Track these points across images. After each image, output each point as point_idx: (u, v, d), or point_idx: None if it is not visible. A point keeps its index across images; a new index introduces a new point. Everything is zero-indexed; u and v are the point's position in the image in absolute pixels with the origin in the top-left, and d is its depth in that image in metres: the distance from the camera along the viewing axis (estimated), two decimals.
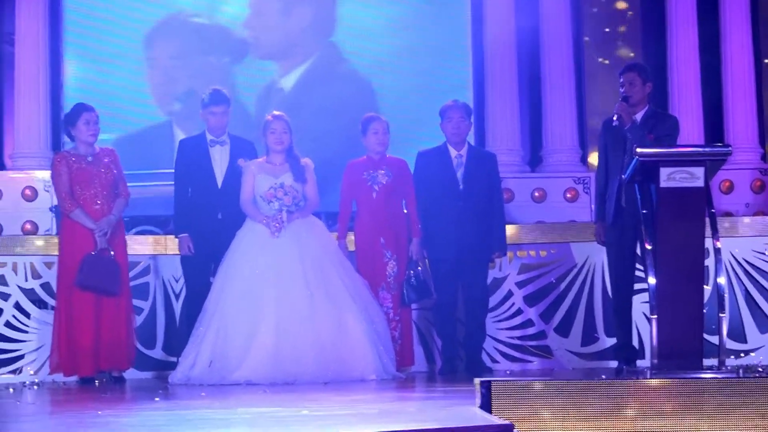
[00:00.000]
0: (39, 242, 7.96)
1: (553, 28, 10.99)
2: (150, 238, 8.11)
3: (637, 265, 7.32)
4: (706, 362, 6.39)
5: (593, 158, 10.33)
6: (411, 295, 7.48)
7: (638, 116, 7.11)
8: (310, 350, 6.74)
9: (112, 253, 7.19)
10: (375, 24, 10.70)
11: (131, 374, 7.47)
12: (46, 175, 9.96)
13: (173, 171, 7.77)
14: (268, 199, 7.14)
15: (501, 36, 10.80)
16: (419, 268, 7.54)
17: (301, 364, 6.69)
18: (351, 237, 7.62)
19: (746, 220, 8.31)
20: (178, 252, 7.58)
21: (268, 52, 10.68)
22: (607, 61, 11.25)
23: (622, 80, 7.24)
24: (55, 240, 7.83)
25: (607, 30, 11.36)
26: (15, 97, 10.42)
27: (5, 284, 7.77)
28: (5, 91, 10.67)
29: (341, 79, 10.68)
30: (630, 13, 11.41)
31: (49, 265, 7.80)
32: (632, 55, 11.32)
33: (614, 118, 7.02)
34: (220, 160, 7.52)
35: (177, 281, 7.87)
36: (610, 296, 7.63)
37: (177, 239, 7.50)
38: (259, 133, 7.42)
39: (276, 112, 7.41)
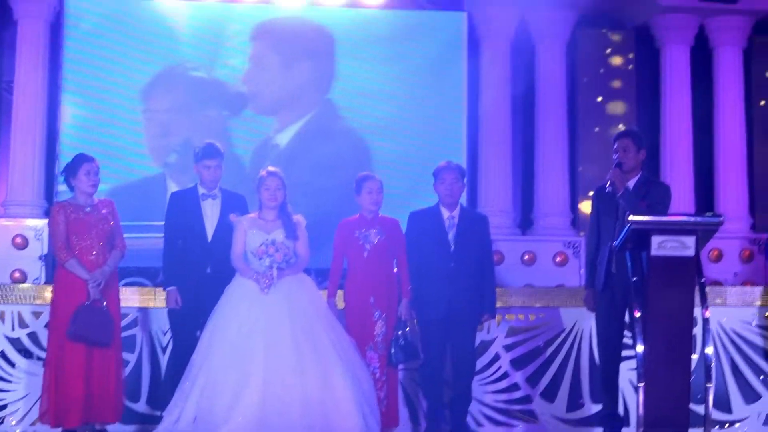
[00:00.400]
0: (28, 291, 7.92)
1: (548, 95, 11.13)
2: (138, 290, 8.09)
3: (625, 332, 7.31)
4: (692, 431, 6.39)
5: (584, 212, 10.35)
6: (399, 356, 7.45)
7: (631, 183, 7.14)
8: (296, 407, 6.69)
9: (105, 304, 7.17)
10: (372, 83, 10.82)
11: (115, 428, 7.41)
12: (38, 223, 10.00)
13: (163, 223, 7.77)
14: (259, 256, 7.13)
15: (496, 100, 10.94)
16: (407, 329, 7.52)
17: (286, 422, 6.64)
18: (341, 294, 7.61)
19: (734, 289, 8.31)
20: (165, 305, 7.55)
21: (265, 106, 10.77)
22: (597, 129, 11.33)
23: (616, 146, 7.27)
24: (45, 289, 7.82)
25: (600, 99, 11.46)
26: (11, 144, 10.50)
27: None
28: (1, 138, 10.72)
29: (337, 136, 10.77)
30: (620, 83, 11.50)
31: (37, 314, 7.78)
32: (623, 120, 11.39)
33: (607, 185, 7.05)
34: (211, 214, 7.50)
35: (164, 334, 7.85)
36: (597, 362, 7.61)
37: (165, 292, 7.48)
38: (254, 188, 7.42)
39: (271, 168, 7.41)
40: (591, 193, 7.59)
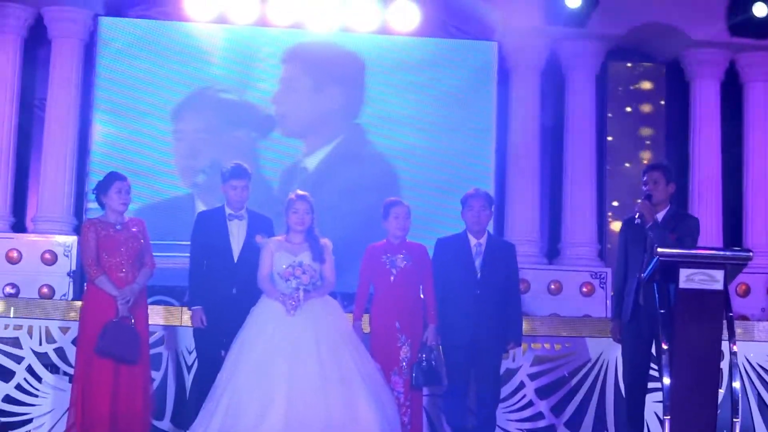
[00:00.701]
0: (56, 306, 7.96)
1: (577, 126, 11.15)
2: (165, 309, 8.12)
3: (651, 364, 7.28)
4: None
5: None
6: (419, 379, 7.44)
7: (660, 215, 7.13)
8: (319, 429, 6.70)
9: (133, 321, 7.21)
10: (402, 109, 10.86)
11: None
12: (67, 239, 10.07)
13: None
14: (285, 278, 7.15)
15: (525, 129, 10.96)
16: (432, 353, 7.52)
17: None
18: (366, 319, 7.62)
19: (762, 324, 8.27)
20: (191, 324, 7.58)
21: (294, 129, 10.82)
22: (628, 164, 11.32)
23: (645, 179, 7.28)
24: (73, 305, 7.87)
25: (629, 131, 11.45)
26: (42, 161, 10.58)
27: (19, 347, 7.79)
28: (32, 154, 10.82)
29: (365, 161, 10.81)
30: (649, 116, 11.49)
31: (64, 330, 7.82)
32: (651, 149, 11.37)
33: (636, 216, 7.05)
34: (237, 234, 7.53)
35: (190, 353, 7.87)
36: (623, 393, 7.59)
37: (190, 311, 7.50)
38: (281, 210, 7.44)
39: (300, 192, 7.44)
40: (619, 225, 7.58)
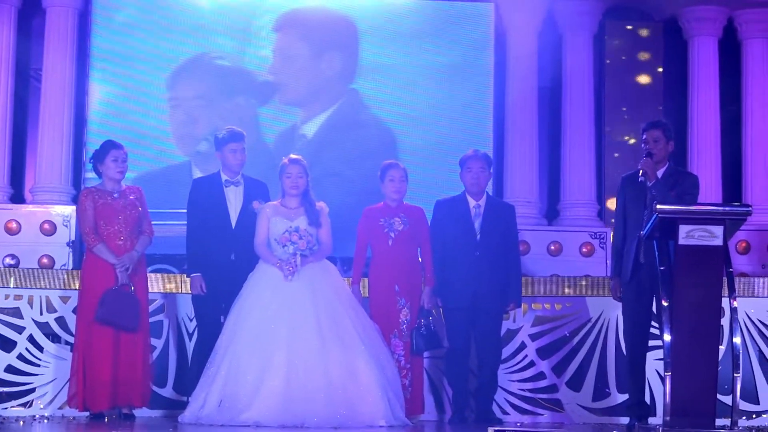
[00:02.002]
0: (56, 276, 7.97)
1: (575, 86, 11.12)
2: (164, 276, 8.12)
3: (652, 322, 7.28)
4: (719, 422, 6.36)
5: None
6: (420, 345, 7.45)
7: (659, 173, 7.11)
8: (319, 394, 6.71)
9: (133, 289, 7.21)
10: (398, 72, 10.82)
11: (141, 412, 7.45)
12: (65, 210, 10.07)
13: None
14: (282, 243, 7.14)
15: (523, 90, 10.93)
16: (431, 317, 7.52)
17: (310, 407, 6.66)
18: (365, 283, 7.62)
19: (762, 280, 8.26)
20: (190, 291, 7.58)
21: (291, 97, 10.78)
22: (624, 120, 11.28)
23: (645, 137, 7.24)
24: (72, 275, 7.86)
25: (626, 90, 11.41)
26: (39, 132, 10.57)
27: (20, 317, 7.79)
28: (29, 125, 10.81)
29: (363, 126, 10.78)
30: (647, 75, 11.44)
31: (64, 299, 7.82)
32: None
33: (639, 174, 7.01)
34: (234, 200, 7.51)
35: (191, 320, 7.87)
36: (624, 352, 7.59)
37: (189, 278, 7.50)
38: (276, 176, 7.43)
39: (293, 156, 7.42)
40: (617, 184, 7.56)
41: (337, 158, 10.65)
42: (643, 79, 11.46)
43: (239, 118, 10.28)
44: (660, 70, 11.46)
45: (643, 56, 11.51)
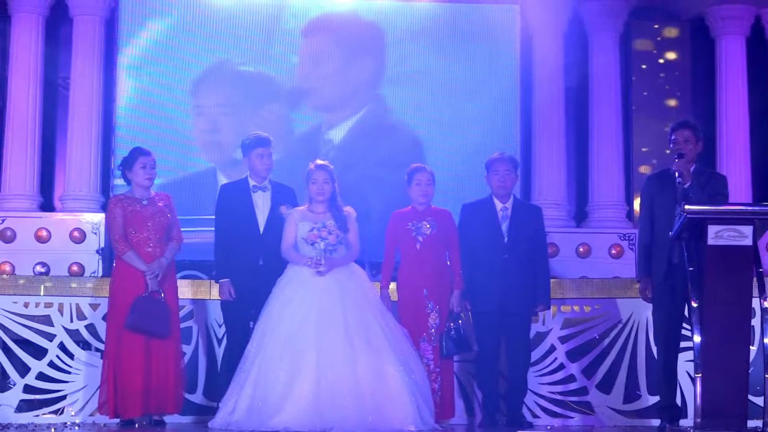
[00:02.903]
0: (86, 284, 8.01)
1: (602, 88, 11.08)
2: (193, 283, 8.15)
3: (684, 324, 7.24)
4: (751, 423, 6.33)
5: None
6: (450, 348, 7.45)
7: None
8: (349, 398, 6.71)
9: (163, 295, 7.24)
10: (425, 76, 10.81)
11: (171, 418, 7.48)
12: (94, 217, 10.12)
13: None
14: (311, 241, 7.15)
15: (550, 92, 10.90)
16: (460, 321, 7.52)
17: (339, 412, 6.66)
18: (394, 287, 7.62)
19: None
20: (219, 297, 7.59)
21: (317, 103, 10.78)
22: (652, 121, 11.22)
23: (674, 137, 7.20)
24: (102, 282, 7.90)
25: (654, 90, 11.35)
26: (67, 139, 10.64)
27: (50, 325, 7.83)
28: (58, 133, 10.87)
29: (391, 131, 10.78)
30: (675, 75, 11.39)
31: (94, 306, 7.86)
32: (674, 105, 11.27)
33: (676, 175, 6.96)
34: (262, 205, 7.53)
35: (220, 326, 7.89)
36: (654, 354, 7.55)
37: (218, 284, 7.52)
38: (303, 182, 7.44)
39: (319, 162, 7.42)
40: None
41: (363, 163, 10.65)
42: (670, 78, 11.40)
43: (263, 124, 10.29)
44: (688, 69, 11.40)
45: (670, 56, 11.45)
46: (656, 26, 11.47)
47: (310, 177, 7.32)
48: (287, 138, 10.51)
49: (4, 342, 7.83)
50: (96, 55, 10.69)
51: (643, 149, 11.16)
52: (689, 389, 7.57)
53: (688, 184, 6.96)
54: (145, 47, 10.58)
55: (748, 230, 6.23)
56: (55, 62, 10.92)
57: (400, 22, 10.87)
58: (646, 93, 11.33)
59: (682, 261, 6.73)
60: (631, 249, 10.39)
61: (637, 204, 10.78)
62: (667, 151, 7.36)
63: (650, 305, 7.31)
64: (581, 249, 10.53)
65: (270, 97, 10.71)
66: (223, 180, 9.91)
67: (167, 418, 7.41)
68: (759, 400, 7.13)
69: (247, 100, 10.65)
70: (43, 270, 9.94)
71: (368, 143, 10.73)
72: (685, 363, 7.52)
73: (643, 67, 11.39)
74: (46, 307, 7.86)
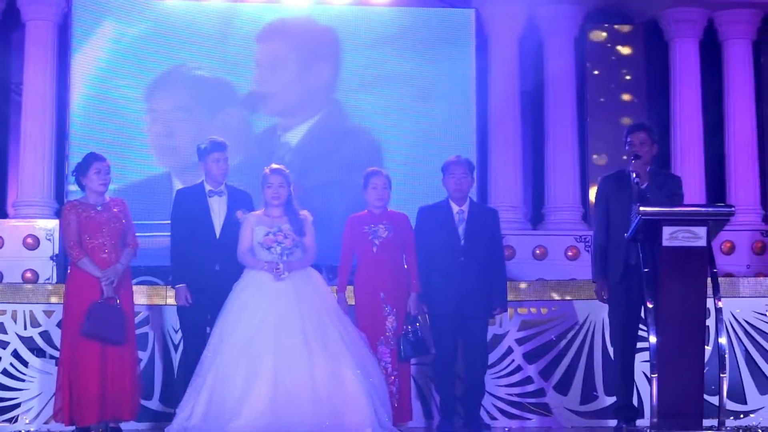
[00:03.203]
0: (39, 290, 7.93)
1: (557, 91, 11.14)
2: (149, 288, 8.09)
3: (640, 325, 7.28)
4: (706, 422, 6.36)
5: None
6: (408, 351, 7.44)
7: None
8: (306, 402, 6.68)
9: (119, 301, 7.17)
10: (380, 81, 10.82)
11: (128, 425, 7.41)
12: (48, 223, 10.03)
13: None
14: (267, 245, 7.12)
15: (505, 96, 10.94)
16: (417, 323, 7.51)
17: (297, 416, 6.63)
18: (351, 291, 7.60)
19: (747, 280, 8.28)
20: (176, 302, 7.54)
21: (273, 107, 10.77)
22: (606, 124, 11.29)
23: (630, 139, 7.25)
24: (56, 288, 7.83)
25: (609, 93, 11.43)
26: (21, 145, 10.55)
27: (4, 332, 7.76)
28: (10, 139, 10.78)
29: (346, 135, 10.78)
30: (629, 78, 11.47)
31: (49, 313, 7.79)
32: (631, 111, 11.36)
33: (634, 176, 7.00)
34: (218, 210, 7.48)
35: (176, 332, 7.84)
36: (611, 355, 7.59)
37: (174, 290, 7.48)
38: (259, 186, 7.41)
39: (274, 166, 7.39)
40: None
41: (319, 167, 10.64)
42: (625, 81, 11.48)
43: (218, 128, 10.24)
44: (642, 72, 11.48)
45: (625, 59, 11.54)
46: (610, 29, 11.54)
47: (266, 181, 7.29)
48: (244, 142, 10.47)
49: None
50: (49, 60, 10.62)
51: (597, 153, 11.22)
52: (646, 389, 7.62)
53: (645, 185, 7.00)
54: (99, 52, 10.51)
55: (702, 231, 6.28)
56: (7, 68, 10.82)
57: (356, 26, 10.87)
58: (600, 95, 11.41)
59: (638, 262, 6.77)
60: (587, 251, 10.45)
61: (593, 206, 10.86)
62: (624, 158, 7.41)
63: (606, 306, 7.36)
64: (538, 251, 10.58)
65: (226, 101, 10.67)
66: (178, 185, 9.86)
67: (123, 425, 7.34)
68: (714, 400, 7.18)
69: (202, 105, 10.60)
70: None
71: (326, 147, 10.72)
72: (641, 363, 7.56)
73: (597, 71, 11.46)
74: None
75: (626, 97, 11.44)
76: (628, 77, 11.51)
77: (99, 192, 7.35)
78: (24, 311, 7.80)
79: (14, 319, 7.78)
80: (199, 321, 7.38)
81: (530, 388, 8.04)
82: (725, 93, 11.42)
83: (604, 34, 11.53)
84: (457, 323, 7.53)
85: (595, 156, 11.23)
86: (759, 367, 8.06)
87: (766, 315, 8.12)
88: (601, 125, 11.30)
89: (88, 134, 10.33)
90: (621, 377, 7.27)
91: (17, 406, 7.68)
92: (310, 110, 10.84)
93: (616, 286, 7.18)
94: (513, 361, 8.06)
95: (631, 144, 7.24)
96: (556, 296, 8.18)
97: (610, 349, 7.60)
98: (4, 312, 7.78)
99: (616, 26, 11.55)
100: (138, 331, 7.65)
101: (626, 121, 11.11)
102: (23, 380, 7.71)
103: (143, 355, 7.79)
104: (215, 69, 10.66)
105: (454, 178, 7.66)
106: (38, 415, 7.65)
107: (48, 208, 10.45)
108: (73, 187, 8.98)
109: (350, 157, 10.61)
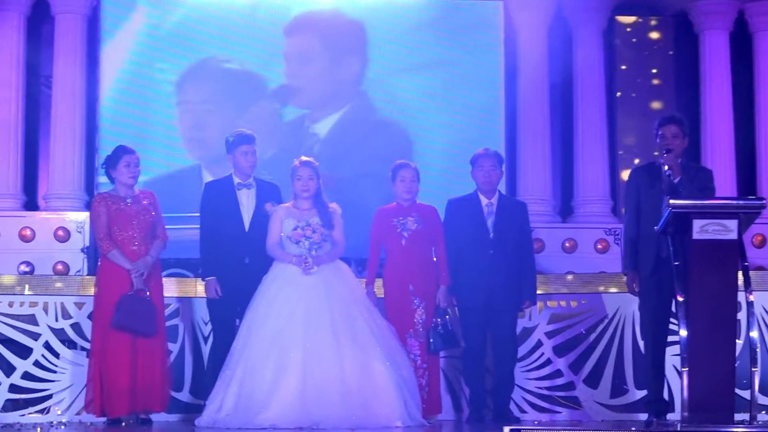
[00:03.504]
0: (70, 282, 7.97)
1: (586, 83, 11.10)
2: (179, 281, 8.11)
3: (671, 319, 7.24)
4: (737, 417, 6.33)
5: None
6: (437, 344, 7.44)
7: None
8: (335, 395, 6.70)
9: (148, 294, 7.21)
10: (408, 74, 10.81)
11: (158, 416, 7.45)
12: (79, 216, 10.09)
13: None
14: (296, 239, 7.13)
15: (534, 87, 10.91)
16: (447, 316, 7.51)
17: (326, 409, 6.65)
18: (379, 283, 7.60)
19: None
20: (205, 295, 7.57)
21: (301, 100, 10.77)
22: (636, 116, 11.24)
23: (661, 132, 7.19)
24: (87, 280, 7.88)
25: (638, 85, 11.38)
26: (51, 138, 10.60)
27: (35, 324, 7.80)
28: (41, 132, 10.83)
29: (375, 127, 10.79)
30: (658, 70, 11.41)
31: (80, 305, 7.83)
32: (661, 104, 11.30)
33: (666, 168, 6.94)
34: (247, 203, 7.50)
35: (206, 324, 7.87)
36: (641, 348, 7.56)
37: (204, 282, 7.50)
38: (288, 178, 7.42)
39: (304, 158, 7.40)
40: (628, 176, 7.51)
41: (351, 160, 10.65)
42: (654, 74, 11.42)
43: (247, 121, 10.27)
44: (671, 64, 11.42)
45: (654, 51, 11.47)
46: (640, 21, 11.48)
47: (295, 173, 7.29)
48: (274, 135, 10.49)
49: None
50: (78, 53, 10.66)
51: (628, 143, 11.18)
52: (676, 383, 7.58)
53: (678, 179, 6.95)
54: (128, 45, 10.54)
55: (733, 224, 6.23)
56: (37, 61, 10.87)
57: (384, 19, 10.86)
58: (630, 88, 11.35)
59: (669, 255, 6.72)
60: (617, 244, 10.41)
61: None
62: (655, 153, 7.36)
63: (636, 299, 7.32)
64: (567, 244, 10.55)
65: (255, 94, 10.69)
66: (208, 177, 9.88)
67: (154, 417, 7.39)
68: (746, 394, 7.15)
69: (232, 97, 10.63)
70: (27, 269, 9.91)
71: (354, 139, 10.73)
72: (672, 357, 7.53)
73: (626, 64, 11.40)
74: (30, 306, 7.82)
75: (655, 89, 11.37)
76: (657, 69, 11.44)
77: (128, 184, 7.39)
78: (55, 303, 7.84)
79: (45, 310, 7.82)
80: (229, 313, 7.41)
81: (560, 381, 8.01)
82: (756, 85, 11.34)
83: (633, 26, 11.46)
84: (486, 316, 7.53)
85: (623, 149, 11.17)
86: None
87: None
88: (631, 118, 11.24)
89: (117, 127, 10.37)
90: (652, 371, 7.23)
91: (49, 397, 7.72)
92: (339, 102, 10.85)
93: (647, 279, 7.14)
94: (543, 354, 8.03)
95: (663, 137, 7.19)
96: (585, 289, 8.15)
97: (641, 343, 7.56)
98: (35, 304, 7.82)
99: (644, 18, 11.49)
100: (168, 323, 7.68)
101: (656, 112, 11.05)
102: (55, 372, 7.76)
103: (173, 347, 7.82)
104: (244, 62, 10.68)
105: (483, 171, 7.64)
106: (70, 406, 7.69)
107: (78, 201, 10.51)
108: (103, 179, 9.02)
109: (379, 149, 10.61)
